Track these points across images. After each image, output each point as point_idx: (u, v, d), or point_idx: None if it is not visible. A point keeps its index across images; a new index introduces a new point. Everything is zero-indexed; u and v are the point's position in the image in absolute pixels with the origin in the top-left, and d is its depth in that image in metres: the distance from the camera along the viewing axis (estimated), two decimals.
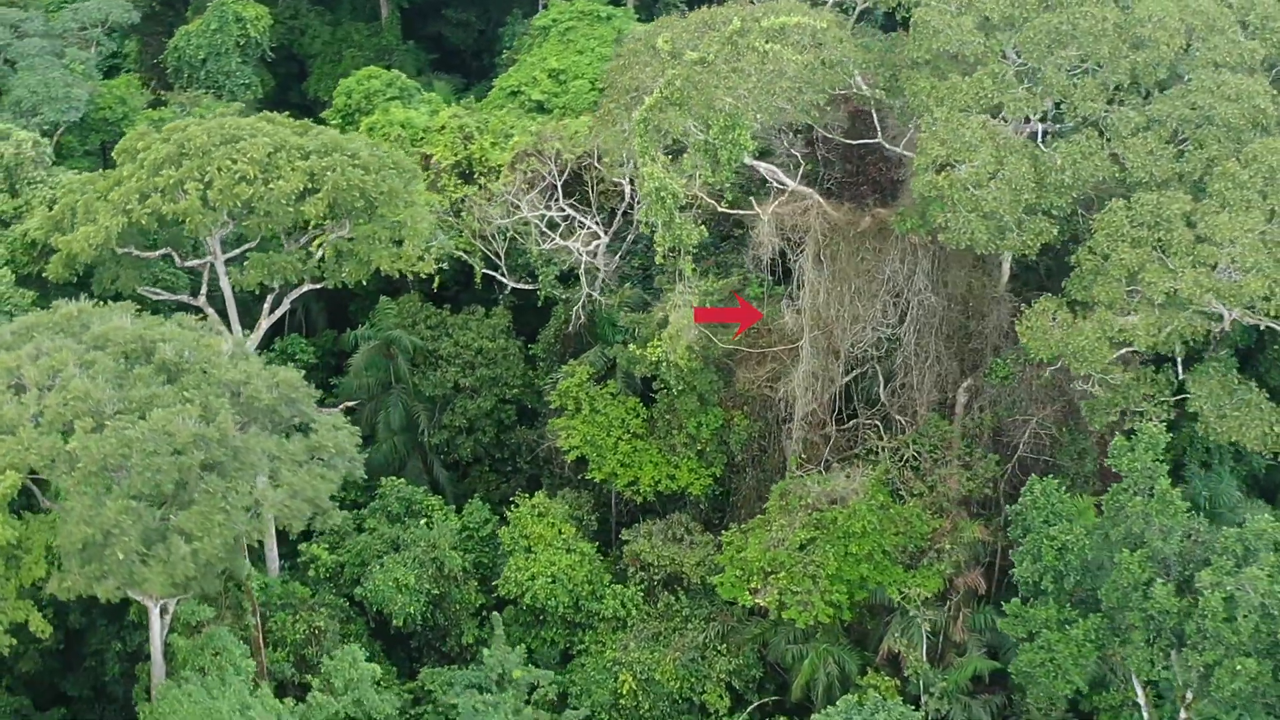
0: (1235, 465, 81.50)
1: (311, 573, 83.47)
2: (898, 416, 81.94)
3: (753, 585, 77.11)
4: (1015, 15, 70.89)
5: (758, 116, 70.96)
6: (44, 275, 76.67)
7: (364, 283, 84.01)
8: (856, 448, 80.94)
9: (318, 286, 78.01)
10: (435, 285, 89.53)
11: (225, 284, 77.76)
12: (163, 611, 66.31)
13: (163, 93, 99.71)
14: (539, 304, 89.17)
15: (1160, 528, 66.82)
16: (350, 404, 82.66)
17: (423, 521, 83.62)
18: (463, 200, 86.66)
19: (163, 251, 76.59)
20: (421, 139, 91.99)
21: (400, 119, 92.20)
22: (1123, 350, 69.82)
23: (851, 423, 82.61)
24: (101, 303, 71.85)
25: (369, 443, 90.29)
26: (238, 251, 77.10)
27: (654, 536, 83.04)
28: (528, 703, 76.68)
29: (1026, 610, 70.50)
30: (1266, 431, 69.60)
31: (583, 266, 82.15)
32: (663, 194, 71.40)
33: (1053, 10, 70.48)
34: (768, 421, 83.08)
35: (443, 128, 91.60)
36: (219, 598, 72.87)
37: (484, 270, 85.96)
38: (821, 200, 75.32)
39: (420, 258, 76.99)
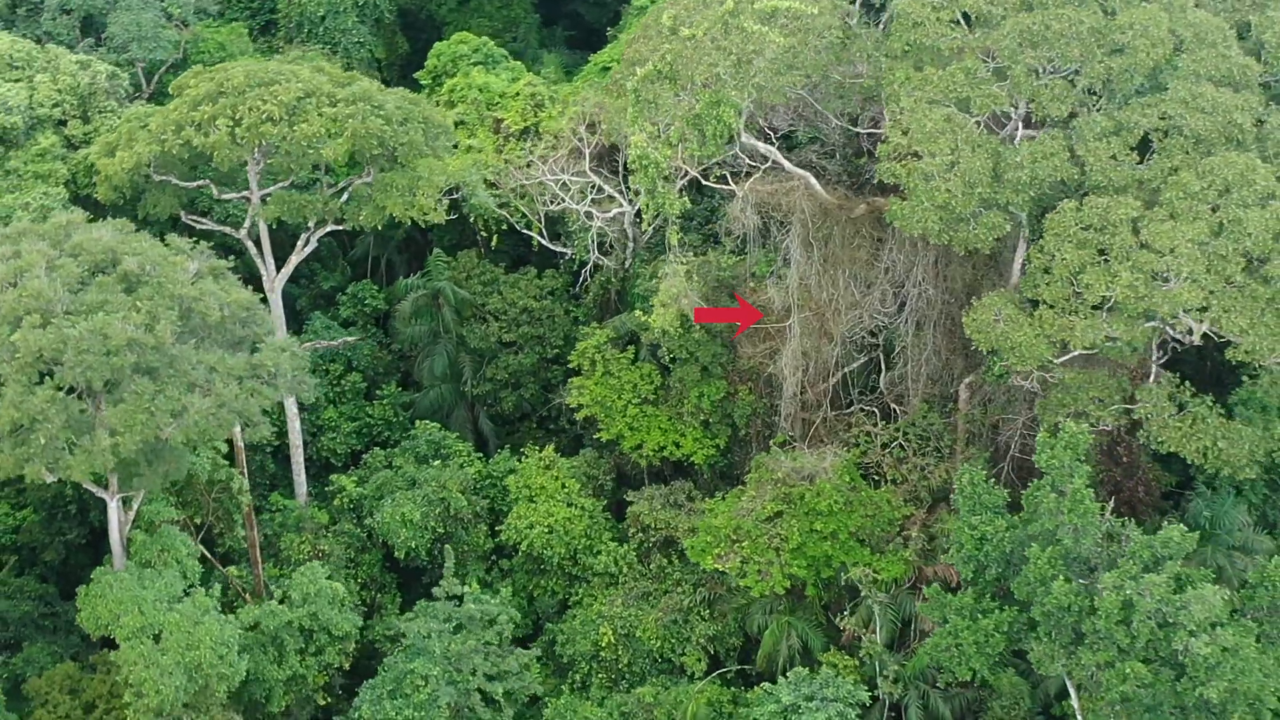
0: (1248, 492, 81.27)
1: (336, 502, 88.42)
2: (894, 406, 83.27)
3: (718, 551, 79.33)
4: (993, 13, 71.85)
5: (749, 96, 73.04)
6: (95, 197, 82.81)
7: (440, 236, 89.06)
8: (850, 431, 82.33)
9: (340, 228, 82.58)
10: (493, 244, 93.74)
11: (262, 221, 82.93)
12: (127, 507, 71.53)
13: (284, 45, 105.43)
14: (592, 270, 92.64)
15: (1073, 527, 67.30)
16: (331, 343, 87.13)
17: (436, 463, 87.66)
18: (527, 165, 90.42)
19: (200, 182, 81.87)
20: (497, 103, 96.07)
21: (479, 83, 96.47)
22: (1089, 351, 70.26)
23: (851, 408, 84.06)
24: (145, 227, 77.98)
25: (418, 389, 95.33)
26: (275, 188, 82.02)
27: (655, 500, 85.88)
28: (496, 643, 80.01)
29: (944, 596, 71.60)
30: (1209, 446, 69.48)
31: (606, 234, 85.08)
32: (645, 162, 74.17)
33: (1032, 11, 71.17)
34: (773, 397, 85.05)
35: (517, 94, 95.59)
36: (205, 505, 78.07)
37: (523, 230, 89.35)
38: (815, 182, 77.07)
39: (433, 208, 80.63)
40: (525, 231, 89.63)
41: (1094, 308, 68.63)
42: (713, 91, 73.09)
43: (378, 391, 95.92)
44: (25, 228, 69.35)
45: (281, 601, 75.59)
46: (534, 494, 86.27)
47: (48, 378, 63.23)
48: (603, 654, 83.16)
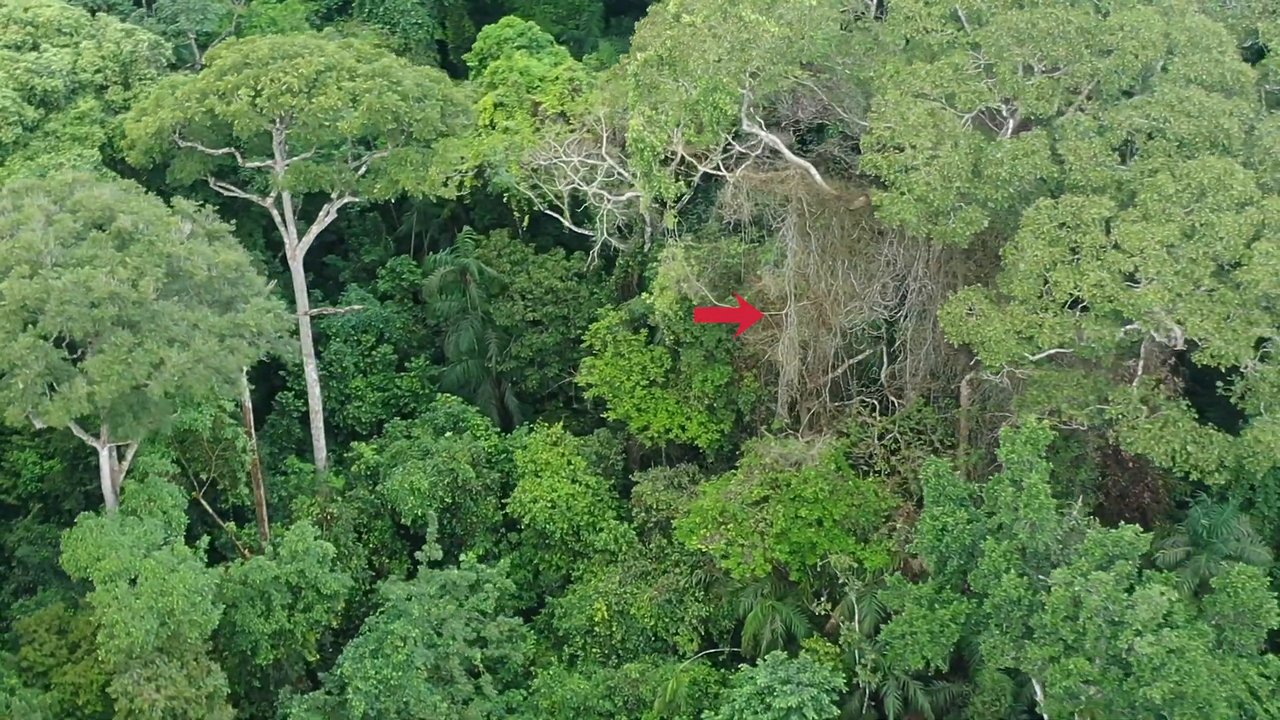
0: (1261, 505, 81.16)
1: (354, 469, 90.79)
2: (894, 399, 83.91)
3: (704, 532, 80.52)
4: (984, 10, 72.36)
5: (745, 84, 74.15)
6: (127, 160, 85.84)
7: (481, 216, 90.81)
8: (844, 421, 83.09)
9: (356, 199, 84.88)
10: (524, 225, 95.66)
11: (285, 190, 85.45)
12: (121, 458, 74.27)
13: (340, 20, 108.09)
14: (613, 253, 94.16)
15: (1029, 522, 67.76)
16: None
17: (449, 435, 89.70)
18: (546, 146, 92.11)
19: (225, 150, 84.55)
20: (536, 87, 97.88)
21: (520, 66, 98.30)
22: (1065, 350, 70.59)
23: (855, 400, 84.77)
24: (175, 192, 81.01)
25: (446, 363, 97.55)
26: (297, 159, 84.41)
27: (658, 481, 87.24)
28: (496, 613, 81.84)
29: (905, 585, 72.30)
30: (1177, 449, 69.46)
31: (621, 218, 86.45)
32: (641, 146, 75.55)
33: (1023, 9, 71.60)
34: (776, 384, 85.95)
35: (556, 79, 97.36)
36: (209, 461, 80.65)
37: (546, 212, 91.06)
38: (814, 173, 77.92)
39: (444, 184, 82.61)
40: (549, 213, 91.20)
41: (1065, 306, 68.84)
42: (709, 78, 74.22)
43: (407, 364, 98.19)
44: (33, 184, 72.21)
45: (272, 558, 77.74)
46: (539, 469, 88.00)
47: (32, 326, 65.81)
48: (597, 629, 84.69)
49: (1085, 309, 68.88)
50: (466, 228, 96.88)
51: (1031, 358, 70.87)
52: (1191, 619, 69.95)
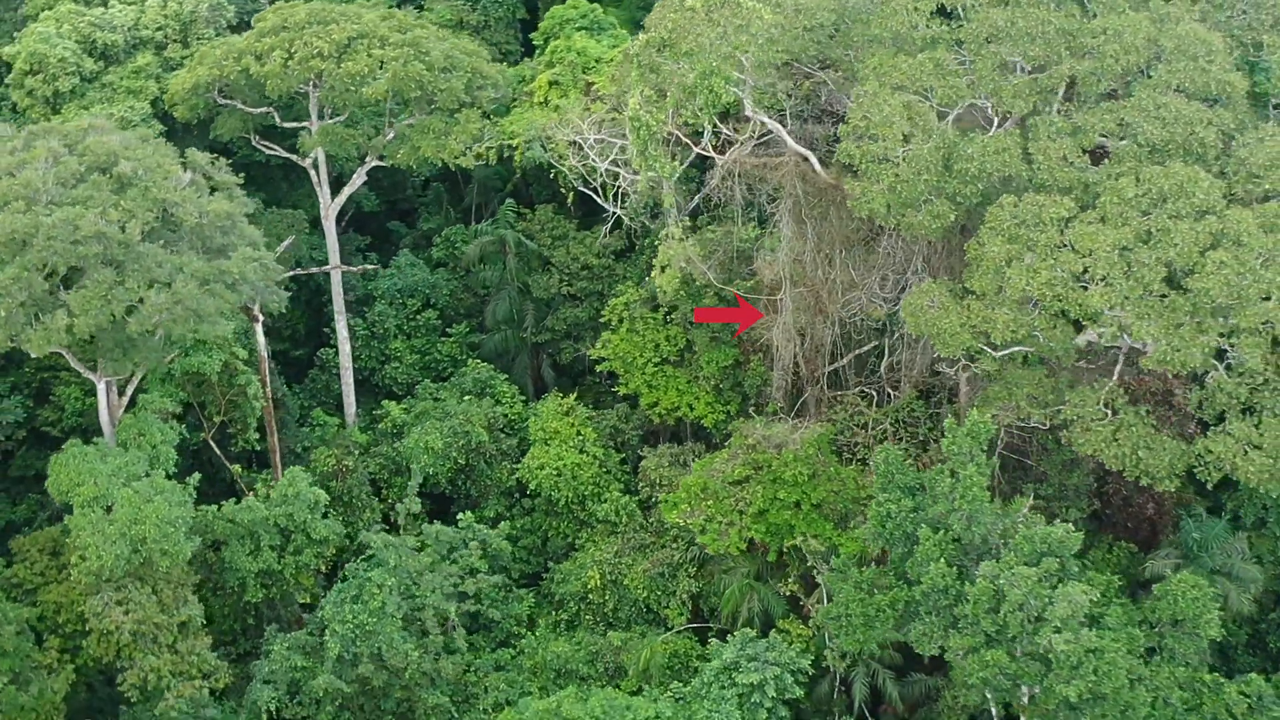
0: (1273, 525, 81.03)
1: (381, 426, 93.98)
2: (891, 391, 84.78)
3: (685, 507, 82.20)
4: (969, 5, 73.07)
5: (736, 68, 75.72)
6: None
7: (539, 191, 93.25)
8: (835, 409, 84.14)
9: (384, 164, 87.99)
10: (570, 200, 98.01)
11: (320, 151, 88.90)
12: (121, 393, 78.09)
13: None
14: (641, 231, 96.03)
15: (965, 513, 68.53)
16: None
17: (468, 399, 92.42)
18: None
19: (264, 110, 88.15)
20: (592, 67, 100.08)
21: (578, 46, 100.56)
22: (1024, 348, 71.15)
23: (854, 390, 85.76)
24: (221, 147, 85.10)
25: (487, 332, 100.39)
26: (330, 122, 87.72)
27: (663, 458, 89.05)
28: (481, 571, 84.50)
29: (849, 569, 73.32)
30: (1128, 454, 69.64)
31: (641, 195, 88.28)
32: (637, 125, 77.51)
33: (1005, 6, 72.21)
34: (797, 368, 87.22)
35: (611, 60, 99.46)
36: (218, 403, 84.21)
37: (579, 188, 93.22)
38: (814, 161, 79.11)
39: (462, 153, 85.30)
40: (583, 190, 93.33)
41: (1021, 304, 69.35)
42: (705, 62, 75.86)
43: (448, 330, 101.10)
44: (49, 128, 76.28)
45: (259, 499, 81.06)
46: (549, 438, 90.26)
47: (21, 259, 69.68)
48: (590, 596, 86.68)
49: (1036, 306, 69.29)
50: (509, 200, 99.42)
51: (995, 354, 71.44)
52: (1132, 623, 70.19)
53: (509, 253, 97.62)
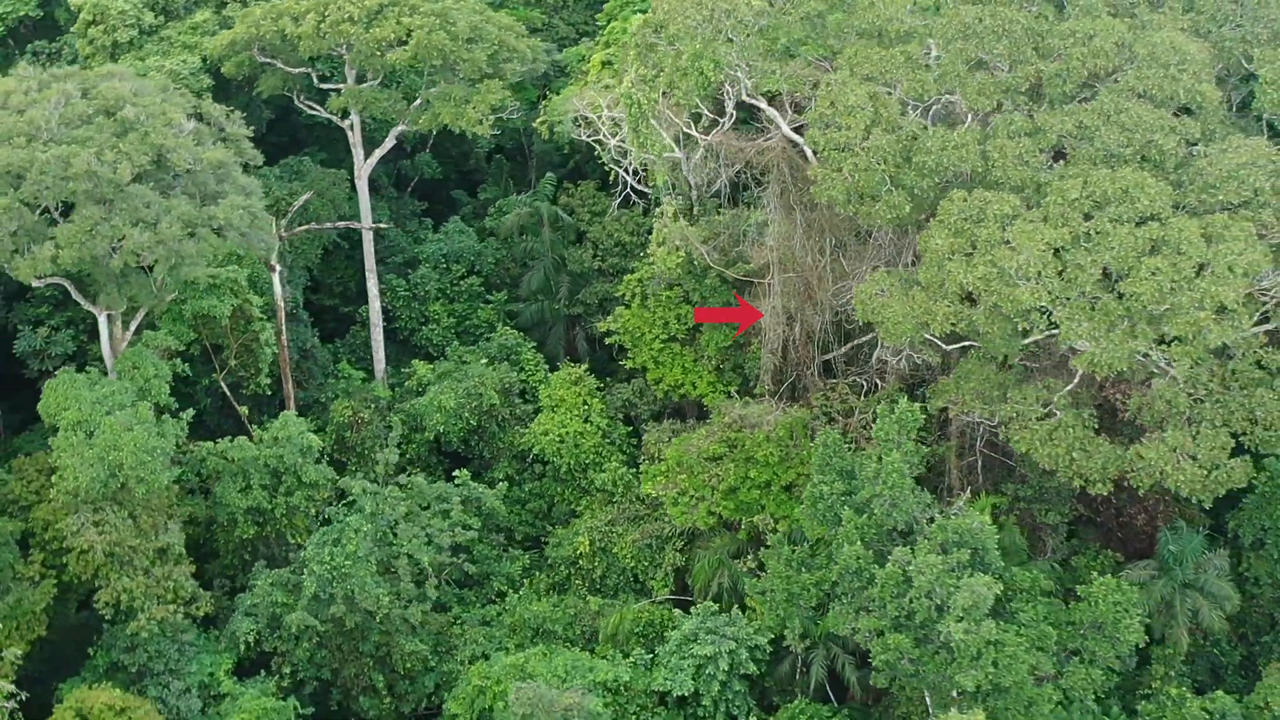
0: (1270, 546, 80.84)
1: (408, 384, 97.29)
2: (879, 381, 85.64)
3: (660, 480, 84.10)
4: (944, 2, 73.92)
5: (723, 53, 77.38)
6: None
7: (593, 169, 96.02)
8: (818, 395, 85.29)
9: (413, 128, 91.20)
10: (611, 178, 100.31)
11: (355, 113, 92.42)
12: (125, 327, 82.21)
13: None
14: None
15: (888, 499, 69.58)
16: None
17: (483, 363, 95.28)
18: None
19: (302, 70, 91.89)
20: None
21: (633, 28, 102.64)
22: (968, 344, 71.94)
23: (846, 379, 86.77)
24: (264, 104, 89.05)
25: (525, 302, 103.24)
26: (364, 86, 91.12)
27: (665, 432, 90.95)
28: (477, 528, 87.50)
29: (782, 548, 74.67)
30: (1062, 453, 70.09)
31: (658, 175, 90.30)
32: (629, 102, 79.61)
33: (976, 3, 72.93)
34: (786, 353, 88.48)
35: None
36: (230, 347, 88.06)
37: (609, 165, 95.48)
38: (806, 147, 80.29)
39: (480, 121, 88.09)
40: (613, 165, 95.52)
41: (961, 297, 70.07)
42: (695, 46, 77.61)
43: (488, 296, 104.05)
44: (69, 72, 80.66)
45: (251, 439, 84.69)
46: (556, 405, 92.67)
47: (12, 190, 73.94)
48: (580, 562, 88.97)
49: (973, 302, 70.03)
50: (549, 174, 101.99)
51: (946, 346, 72.27)
52: (1057, 623, 70.66)
53: (544, 225, 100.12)
